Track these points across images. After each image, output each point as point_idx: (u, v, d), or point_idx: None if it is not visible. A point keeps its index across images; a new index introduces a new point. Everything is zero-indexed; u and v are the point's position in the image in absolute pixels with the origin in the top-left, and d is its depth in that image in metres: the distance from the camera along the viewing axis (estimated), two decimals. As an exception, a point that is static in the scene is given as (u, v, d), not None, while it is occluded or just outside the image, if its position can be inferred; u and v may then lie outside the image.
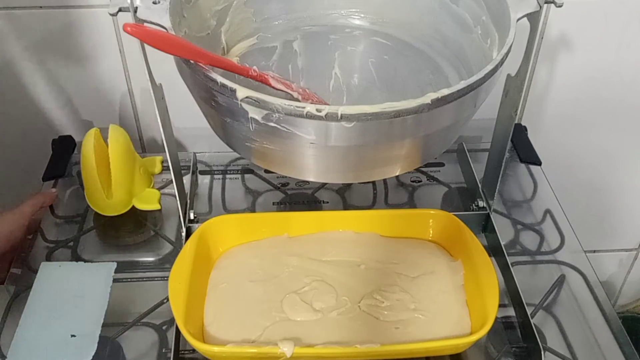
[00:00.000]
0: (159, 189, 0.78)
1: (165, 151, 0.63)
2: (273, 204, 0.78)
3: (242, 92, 0.47)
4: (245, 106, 0.48)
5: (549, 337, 0.64)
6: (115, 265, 0.68)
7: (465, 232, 0.67)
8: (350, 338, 0.59)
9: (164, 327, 0.63)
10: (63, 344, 0.60)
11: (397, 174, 0.58)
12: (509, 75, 0.63)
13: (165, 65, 0.56)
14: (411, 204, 0.79)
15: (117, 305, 0.64)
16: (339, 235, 0.70)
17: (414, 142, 0.53)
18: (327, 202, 0.78)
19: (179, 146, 0.89)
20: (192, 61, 0.50)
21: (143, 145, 0.91)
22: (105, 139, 0.73)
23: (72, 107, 0.85)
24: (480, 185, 0.76)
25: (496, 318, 0.59)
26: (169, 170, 0.65)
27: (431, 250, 0.69)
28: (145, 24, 0.50)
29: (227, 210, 0.77)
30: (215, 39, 0.64)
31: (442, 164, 0.84)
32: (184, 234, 0.70)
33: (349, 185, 0.80)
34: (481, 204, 0.74)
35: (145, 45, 0.50)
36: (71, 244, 0.72)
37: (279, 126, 0.48)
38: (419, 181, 0.82)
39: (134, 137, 0.88)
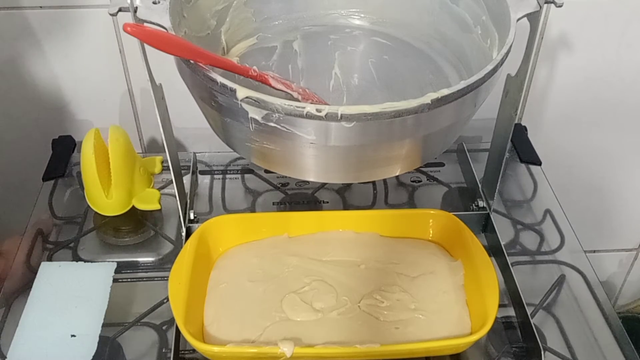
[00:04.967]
0: (159, 189, 0.78)
1: (165, 151, 0.63)
2: (273, 204, 0.78)
3: (242, 92, 0.47)
4: (245, 106, 0.48)
5: (549, 337, 0.64)
6: (115, 265, 0.67)
7: (465, 232, 0.67)
8: (350, 338, 0.59)
9: (164, 327, 0.63)
10: (63, 344, 0.60)
11: (397, 174, 0.58)
12: (509, 75, 0.63)
13: (165, 65, 0.56)
14: (411, 204, 0.79)
15: (117, 305, 0.64)
16: (339, 235, 0.70)
17: (414, 142, 0.53)
18: (327, 202, 0.78)
19: (179, 146, 0.89)
20: (192, 61, 0.50)
21: (143, 145, 0.91)
22: (105, 139, 0.73)
23: (72, 107, 0.85)
24: (480, 185, 0.76)
25: (496, 318, 0.59)
26: (169, 170, 0.65)
27: (431, 250, 0.69)
28: (145, 24, 0.50)
29: (227, 210, 0.77)
30: (215, 39, 0.64)
31: (442, 164, 0.84)
32: (184, 234, 0.70)
33: (349, 185, 0.80)
34: (481, 204, 0.74)
35: (145, 45, 0.50)
36: (71, 244, 0.72)
37: (279, 126, 0.48)
38: (419, 181, 0.82)
39: (134, 137, 0.88)
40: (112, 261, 0.68)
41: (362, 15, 0.71)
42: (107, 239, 0.73)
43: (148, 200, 0.75)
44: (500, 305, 0.62)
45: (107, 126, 0.73)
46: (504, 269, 0.68)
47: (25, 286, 0.66)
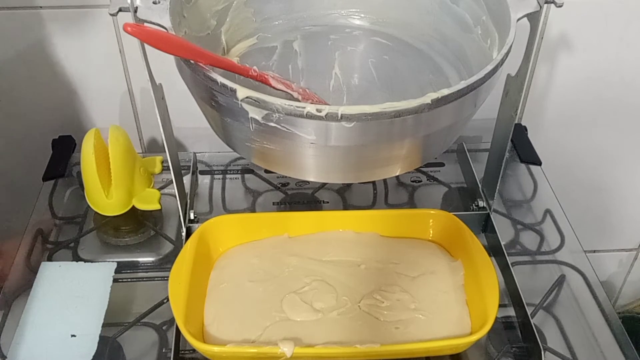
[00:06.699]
0: (159, 189, 0.78)
1: (165, 151, 0.63)
2: (273, 204, 0.78)
3: (242, 92, 0.47)
4: (246, 106, 0.48)
5: (549, 337, 0.64)
6: (115, 265, 0.67)
7: (465, 232, 0.67)
8: (350, 338, 0.59)
9: (164, 327, 0.63)
10: (63, 344, 0.60)
11: (397, 174, 0.58)
12: (509, 75, 0.63)
13: (165, 65, 0.56)
14: (411, 204, 0.79)
15: (117, 305, 0.64)
16: (339, 235, 0.70)
17: (414, 142, 0.53)
18: (327, 202, 0.78)
19: (179, 146, 0.89)
20: (192, 61, 0.50)
21: (143, 145, 0.91)
22: (105, 139, 0.73)
23: (72, 107, 0.85)
24: (480, 185, 0.76)
25: (496, 318, 0.59)
26: (169, 170, 0.65)
27: (431, 250, 0.69)
28: (145, 24, 0.50)
29: (227, 210, 0.77)
30: (215, 39, 0.64)
31: (442, 164, 0.84)
32: (184, 234, 0.70)
33: (349, 185, 0.80)
34: (481, 204, 0.74)
35: (145, 45, 0.50)
36: (71, 244, 0.72)
37: (279, 126, 0.48)
38: (419, 181, 0.82)
39: (134, 137, 0.88)
40: (112, 261, 0.68)
41: (362, 15, 0.71)
42: (107, 239, 0.73)
43: (148, 200, 0.75)
44: (500, 305, 0.62)
45: (107, 126, 0.73)
46: (504, 269, 0.68)
47: (25, 286, 0.66)
